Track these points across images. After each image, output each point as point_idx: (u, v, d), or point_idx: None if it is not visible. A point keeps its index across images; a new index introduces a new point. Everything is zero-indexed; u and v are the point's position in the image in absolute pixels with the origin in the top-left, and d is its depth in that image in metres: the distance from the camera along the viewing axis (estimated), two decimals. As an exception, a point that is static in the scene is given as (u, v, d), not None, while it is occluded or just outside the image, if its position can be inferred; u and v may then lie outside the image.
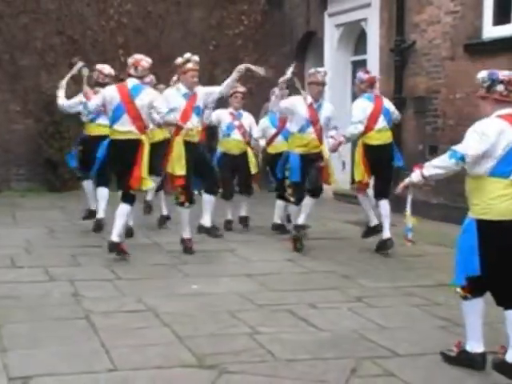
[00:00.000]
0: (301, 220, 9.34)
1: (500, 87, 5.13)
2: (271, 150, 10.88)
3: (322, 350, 5.57)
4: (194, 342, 5.66)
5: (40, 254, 8.96)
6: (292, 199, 9.60)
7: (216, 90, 9.15)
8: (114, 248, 8.50)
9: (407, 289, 7.55)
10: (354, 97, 14.63)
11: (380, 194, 9.40)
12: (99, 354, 5.39)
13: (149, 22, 16.13)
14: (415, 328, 6.20)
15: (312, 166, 9.34)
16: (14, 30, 15.28)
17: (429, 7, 12.37)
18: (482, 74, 5.24)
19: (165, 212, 11.09)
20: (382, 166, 9.37)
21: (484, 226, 5.06)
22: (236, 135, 10.82)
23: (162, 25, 16.20)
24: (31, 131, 15.23)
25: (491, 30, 11.20)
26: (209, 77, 15.32)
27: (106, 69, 10.60)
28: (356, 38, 15.04)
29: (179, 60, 8.94)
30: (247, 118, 11.00)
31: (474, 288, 5.14)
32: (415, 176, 5.32)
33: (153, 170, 9.18)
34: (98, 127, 10.08)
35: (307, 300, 6.92)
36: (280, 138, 10.66)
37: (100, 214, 10.18)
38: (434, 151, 11.36)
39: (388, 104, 9.63)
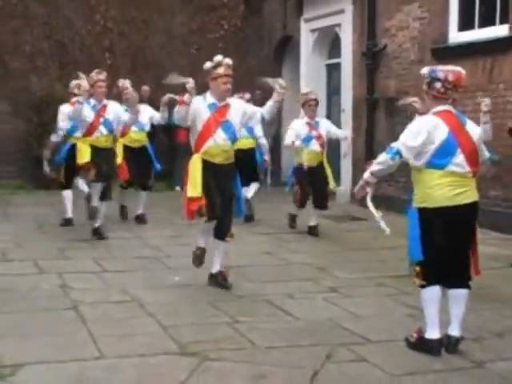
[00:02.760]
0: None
1: (438, 84, 5.22)
2: None
3: (299, 338, 5.57)
4: (176, 331, 5.66)
5: (30, 248, 8.91)
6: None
7: (257, 115, 7.19)
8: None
9: (379, 279, 7.58)
10: (329, 98, 14.73)
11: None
12: (87, 342, 5.37)
13: (133, 26, 16.10)
14: (386, 316, 6.23)
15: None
16: (4, 35, 15.20)
17: (398, 14, 12.43)
18: (424, 70, 5.35)
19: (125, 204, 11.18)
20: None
21: (424, 213, 5.21)
22: (314, 146, 9.94)
23: (146, 29, 16.17)
24: (21, 131, 15.15)
25: (456, 36, 11.32)
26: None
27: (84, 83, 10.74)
28: (330, 42, 15.05)
29: (208, 64, 6.89)
30: (323, 125, 10.19)
31: (426, 275, 5.21)
32: (365, 174, 5.42)
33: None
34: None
35: (284, 291, 6.93)
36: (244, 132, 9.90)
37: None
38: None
39: None
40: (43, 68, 15.40)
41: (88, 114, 9.21)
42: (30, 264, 8.00)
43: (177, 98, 7.01)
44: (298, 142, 9.78)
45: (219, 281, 7.05)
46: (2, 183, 15.08)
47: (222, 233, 7.05)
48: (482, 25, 10.94)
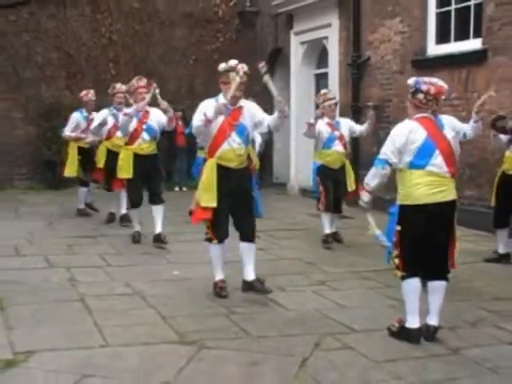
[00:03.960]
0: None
1: (420, 96, 5.31)
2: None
3: (289, 328, 5.57)
4: (176, 321, 5.65)
5: (40, 244, 8.89)
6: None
7: (264, 123, 6.45)
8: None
9: (364, 273, 7.58)
10: (317, 106, 14.75)
11: None
12: (93, 332, 5.37)
13: (136, 39, 16.07)
14: (370, 307, 6.23)
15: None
16: (16, 47, 15.17)
17: (381, 28, 12.44)
18: (410, 81, 5.43)
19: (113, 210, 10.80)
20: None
21: (406, 210, 5.26)
22: (337, 147, 8.95)
23: (148, 42, 16.14)
24: (32, 136, 15.11)
25: (434, 48, 11.37)
26: (188, 87, 15.32)
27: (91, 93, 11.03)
28: (318, 53, 15.05)
29: (222, 66, 6.38)
30: (344, 125, 9.20)
31: (406, 267, 5.25)
32: (365, 197, 5.49)
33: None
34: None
35: (276, 284, 6.90)
36: None
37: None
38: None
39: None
40: (52, 77, 15.37)
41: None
42: (41, 259, 7.98)
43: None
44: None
45: (257, 286, 6.27)
46: (15, 184, 15.07)
47: (248, 235, 6.38)
48: (458, 39, 10.97)
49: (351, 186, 9.03)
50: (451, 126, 5.63)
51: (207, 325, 5.59)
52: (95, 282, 6.98)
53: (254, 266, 6.38)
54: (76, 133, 10.93)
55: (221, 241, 6.39)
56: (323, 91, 9.37)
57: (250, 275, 6.33)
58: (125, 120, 8.66)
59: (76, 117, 10.99)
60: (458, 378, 4.59)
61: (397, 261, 5.30)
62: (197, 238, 8.96)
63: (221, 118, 6.19)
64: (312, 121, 8.76)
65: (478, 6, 10.44)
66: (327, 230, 9.02)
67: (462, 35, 10.87)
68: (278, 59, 16.35)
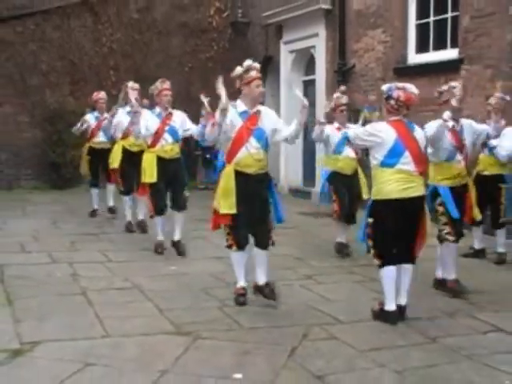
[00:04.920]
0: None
1: (392, 101, 5.54)
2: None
3: (279, 319, 5.58)
4: (172, 314, 5.64)
5: (45, 241, 8.85)
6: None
7: (282, 133, 6.02)
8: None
9: (349, 268, 7.59)
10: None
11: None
12: (94, 323, 5.36)
13: (135, 47, 16.02)
14: (355, 300, 6.25)
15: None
16: (23, 55, 15.12)
17: (365, 37, 12.46)
18: (383, 88, 5.67)
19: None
20: None
21: (378, 205, 5.51)
22: (348, 152, 7.95)
23: (147, 50, 16.11)
24: (37, 139, 15.04)
25: (414, 57, 11.44)
26: (185, 94, 15.27)
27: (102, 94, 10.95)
28: (306, 61, 15.03)
29: (239, 69, 5.91)
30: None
31: (380, 256, 5.51)
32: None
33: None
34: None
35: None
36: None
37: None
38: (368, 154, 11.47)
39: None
40: (57, 84, 15.34)
41: (152, 123, 7.86)
42: (45, 255, 7.95)
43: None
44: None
45: (266, 293, 5.93)
46: (21, 184, 15.01)
47: (262, 242, 6.00)
48: (436, 48, 11.04)
49: (366, 194, 7.80)
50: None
51: (202, 317, 5.58)
52: (96, 277, 6.95)
53: (265, 270, 6.01)
54: (83, 127, 10.77)
55: (241, 247, 5.96)
56: (336, 95, 8.35)
57: (260, 279, 6.01)
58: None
59: (87, 116, 10.90)
60: (436, 364, 4.61)
61: (372, 251, 5.57)
62: (194, 236, 9.01)
63: (239, 123, 5.79)
64: (322, 120, 7.76)
65: (455, 19, 10.53)
66: (339, 238, 8.20)
67: (440, 45, 10.93)
68: (268, 67, 16.34)
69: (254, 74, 5.83)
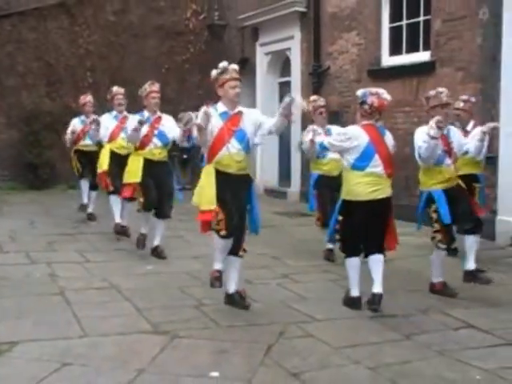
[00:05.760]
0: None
1: (365, 106, 5.81)
2: None
3: (256, 318, 5.59)
4: (150, 313, 5.63)
5: (22, 241, 8.78)
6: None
7: (265, 126, 5.82)
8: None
9: (324, 267, 7.63)
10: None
11: None
12: (72, 323, 5.33)
13: (111, 49, 15.94)
14: (330, 298, 6.26)
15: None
16: (0, 57, 14.97)
17: (339, 40, 12.53)
18: (358, 93, 5.93)
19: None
20: None
21: (347, 204, 5.86)
22: (333, 154, 7.41)
23: (123, 52, 16.03)
24: (14, 139, 14.91)
25: (388, 60, 11.54)
26: (161, 95, 15.20)
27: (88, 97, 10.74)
28: (282, 63, 15.07)
29: (214, 72, 5.83)
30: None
31: (345, 249, 5.96)
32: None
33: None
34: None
35: (243, 277, 6.89)
36: None
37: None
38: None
39: None
40: (33, 85, 15.22)
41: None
42: (23, 255, 7.89)
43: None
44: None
45: (237, 300, 5.84)
46: (-2, 185, 14.88)
47: (235, 248, 5.81)
48: (409, 51, 11.14)
49: None
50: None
51: (179, 316, 5.57)
52: (74, 277, 6.91)
53: (238, 279, 5.90)
54: (73, 136, 10.64)
55: (229, 235, 5.64)
56: (312, 98, 8.27)
57: (231, 287, 5.87)
58: (133, 135, 7.76)
59: (73, 122, 10.72)
60: (409, 360, 4.65)
61: (339, 244, 6.05)
62: (168, 235, 8.98)
63: (219, 124, 5.68)
64: (311, 137, 7.40)
65: (427, 22, 10.64)
66: (328, 245, 7.81)
67: (413, 48, 11.04)
68: (244, 69, 16.35)
69: (227, 75, 5.74)
